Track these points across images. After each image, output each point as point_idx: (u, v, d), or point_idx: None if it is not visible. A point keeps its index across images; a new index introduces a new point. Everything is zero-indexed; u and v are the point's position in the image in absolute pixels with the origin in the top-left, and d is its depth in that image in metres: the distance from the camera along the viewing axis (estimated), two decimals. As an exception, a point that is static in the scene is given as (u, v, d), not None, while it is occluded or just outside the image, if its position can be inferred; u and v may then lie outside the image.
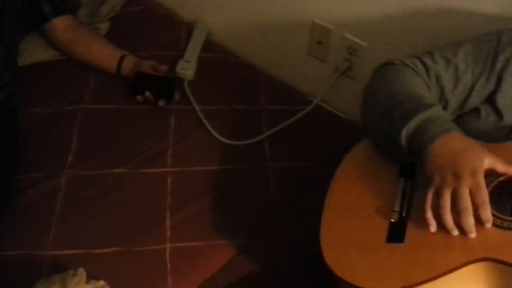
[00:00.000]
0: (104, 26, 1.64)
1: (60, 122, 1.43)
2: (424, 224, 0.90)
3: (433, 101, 0.98)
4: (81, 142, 1.39)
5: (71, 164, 1.34)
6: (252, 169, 1.38)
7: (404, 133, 0.93)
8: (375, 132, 1.02)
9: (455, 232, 0.86)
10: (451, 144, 0.90)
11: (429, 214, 0.88)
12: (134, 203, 1.29)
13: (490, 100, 0.99)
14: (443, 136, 0.90)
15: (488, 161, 0.87)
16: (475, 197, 0.84)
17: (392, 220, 0.94)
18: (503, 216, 0.87)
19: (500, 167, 0.87)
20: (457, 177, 0.86)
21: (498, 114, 0.97)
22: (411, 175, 0.98)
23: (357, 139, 1.42)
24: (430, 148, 0.90)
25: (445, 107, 1.03)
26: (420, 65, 1.04)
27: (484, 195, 0.84)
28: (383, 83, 1.04)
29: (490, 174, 0.89)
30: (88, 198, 1.28)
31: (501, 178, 0.89)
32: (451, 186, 0.86)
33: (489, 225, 0.85)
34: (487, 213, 0.84)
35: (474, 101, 1.01)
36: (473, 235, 0.85)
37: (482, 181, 0.85)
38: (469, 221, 0.85)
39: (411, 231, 0.92)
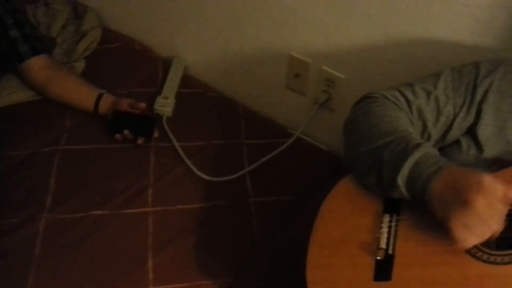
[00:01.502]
0: (80, 65, 1.63)
1: (37, 164, 1.41)
2: (412, 260, 0.89)
3: (419, 138, 0.98)
4: (59, 184, 1.37)
5: (49, 207, 1.31)
6: (234, 205, 1.37)
7: (400, 180, 0.92)
8: (362, 172, 1.01)
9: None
10: (449, 178, 0.88)
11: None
12: (115, 245, 1.27)
13: (471, 132, 0.99)
14: (439, 173, 0.89)
15: (487, 180, 0.85)
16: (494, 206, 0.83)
17: (378, 257, 0.93)
18: (488, 251, 0.87)
19: (499, 186, 0.85)
20: (467, 204, 0.83)
21: (479, 146, 0.97)
22: (395, 210, 0.97)
23: (339, 170, 1.43)
24: (431, 189, 0.88)
25: (428, 140, 1.03)
26: (401, 99, 1.04)
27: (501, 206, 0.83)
28: (366, 119, 1.03)
29: None
30: (67, 242, 1.26)
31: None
32: (482, 198, 0.83)
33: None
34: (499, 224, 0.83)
35: (455, 133, 1.01)
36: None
37: (489, 191, 0.83)
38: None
39: (398, 268, 0.91)
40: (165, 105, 1.54)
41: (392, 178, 0.93)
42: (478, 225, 0.82)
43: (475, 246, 0.88)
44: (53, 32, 1.67)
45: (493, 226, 0.83)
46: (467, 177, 0.86)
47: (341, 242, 0.99)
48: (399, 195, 0.94)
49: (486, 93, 0.99)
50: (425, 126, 1.03)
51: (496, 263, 0.85)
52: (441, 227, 0.86)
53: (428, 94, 1.03)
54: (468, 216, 0.83)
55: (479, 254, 0.87)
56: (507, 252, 0.85)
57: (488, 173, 0.88)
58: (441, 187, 0.87)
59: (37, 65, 1.52)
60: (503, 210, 0.83)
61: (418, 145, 0.93)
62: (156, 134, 1.47)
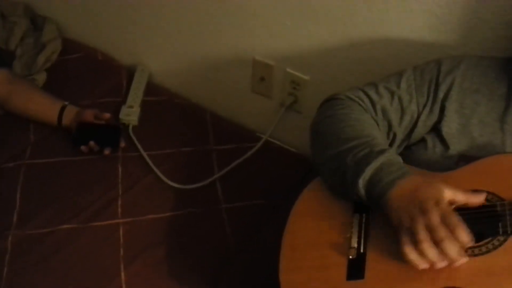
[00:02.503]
0: (41, 77, 1.60)
1: (1, 180, 1.38)
2: (384, 257, 0.90)
3: (384, 143, 0.99)
4: (25, 199, 1.34)
5: (16, 224, 1.29)
6: (206, 212, 1.36)
7: (360, 183, 0.93)
8: (328, 175, 1.02)
9: (442, 264, 0.83)
10: (409, 186, 0.89)
11: (414, 255, 0.84)
12: (86, 259, 1.25)
13: (436, 129, 1.01)
14: (399, 181, 0.90)
15: (448, 192, 0.86)
16: (448, 223, 0.82)
17: (350, 257, 0.94)
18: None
19: (460, 197, 0.87)
20: (424, 211, 0.84)
21: (444, 143, 0.99)
22: (365, 209, 0.98)
23: (309, 172, 1.44)
24: (389, 195, 0.89)
25: (393, 140, 1.04)
26: (366, 99, 1.05)
27: (455, 218, 0.82)
28: (332, 122, 1.04)
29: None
30: (37, 258, 1.24)
31: (453, 207, 0.90)
32: (422, 221, 0.84)
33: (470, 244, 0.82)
34: (464, 234, 0.81)
35: (420, 131, 1.03)
36: (463, 260, 0.83)
37: (448, 207, 0.84)
38: (453, 248, 0.81)
39: (370, 266, 0.92)
40: (130, 114, 1.53)
41: (353, 182, 0.94)
42: (426, 240, 0.82)
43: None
44: (12, 45, 1.63)
45: (444, 245, 0.82)
46: (427, 188, 0.87)
47: (313, 244, 0.99)
48: (358, 197, 0.95)
49: (448, 90, 1.01)
50: (390, 126, 1.04)
51: (468, 256, 0.85)
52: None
53: (392, 94, 1.04)
54: (419, 227, 0.83)
55: None
56: (476, 244, 0.86)
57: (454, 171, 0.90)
58: (400, 194, 0.89)
59: (-4, 79, 1.49)
60: (458, 219, 0.83)
61: (382, 151, 0.94)
62: (122, 144, 1.46)
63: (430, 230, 0.83)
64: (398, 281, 0.88)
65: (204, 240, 1.30)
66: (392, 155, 0.94)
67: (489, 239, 0.86)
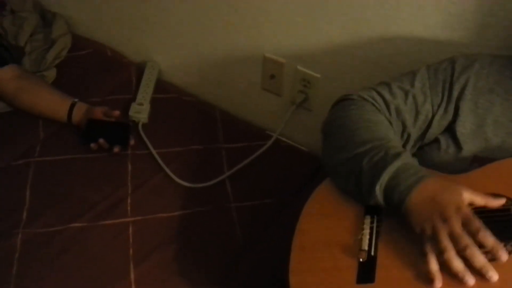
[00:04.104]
0: (51, 74, 1.60)
1: (11, 178, 1.38)
2: (394, 261, 0.89)
3: (399, 145, 0.97)
4: (35, 197, 1.34)
5: (25, 222, 1.29)
6: (215, 211, 1.35)
7: (378, 189, 0.92)
8: (341, 179, 1.01)
9: (470, 280, 0.81)
10: (428, 190, 0.88)
11: (435, 266, 0.83)
12: (95, 258, 1.24)
13: (450, 130, 0.99)
14: (417, 186, 0.89)
15: (467, 195, 0.85)
16: (470, 229, 0.82)
17: (361, 259, 0.93)
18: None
19: (479, 200, 0.86)
20: (446, 218, 0.83)
21: (457, 144, 0.97)
22: (377, 211, 0.97)
23: (319, 170, 1.42)
24: (408, 201, 0.88)
25: (407, 140, 1.03)
26: (379, 99, 1.04)
27: (477, 223, 0.82)
28: (345, 123, 1.02)
29: None
30: (46, 256, 1.23)
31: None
32: (444, 230, 0.83)
33: (503, 254, 0.81)
34: (489, 239, 0.81)
35: (434, 131, 1.01)
36: (494, 276, 0.81)
37: (469, 212, 0.83)
38: (478, 257, 0.80)
39: (381, 270, 0.90)
40: (140, 111, 1.52)
41: (370, 187, 0.93)
42: (460, 241, 0.82)
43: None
44: (21, 41, 1.63)
45: (466, 251, 0.81)
46: (446, 193, 0.86)
47: (323, 245, 0.98)
48: (376, 203, 0.94)
49: (463, 89, 0.99)
50: (404, 126, 1.02)
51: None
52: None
53: (406, 93, 1.02)
54: (442, 234, 0.83)
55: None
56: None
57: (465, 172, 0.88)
58: (420, 200, 0.87)
59: (6, 75, 1.49)
60: (480, 224, 0.82)
61: (397, 155, 0.93)
62: (132, 142, 1.45)
63: (453, 239, 0.82)
64: (408, 285, 0.87)
65: (214, 239, 1.30)
66: (407, 158, 0.93)
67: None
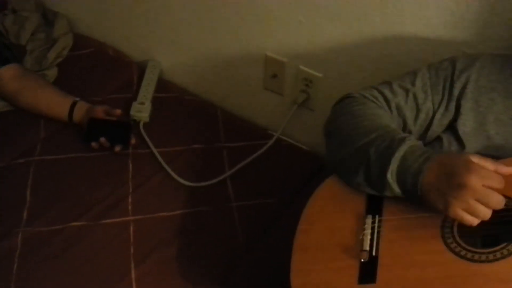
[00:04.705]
0: (52, 73, 1.59)
1: (11, 176, 1.38)
2: (396, 261, 0.88)
3: (402, 132, 0.97)
4: (35, 196, 1.34)
5: (26, 221, 1.29)
6: (217, 210, 1.35)
7: (389, 177, 0.91)
8: (349, 173, 1.00)
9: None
10: (439, 166, 0.87)
11: (469, 216, 0.85)
12: (95, 257, 1.24)
13: (452, 128, 0.99)
14: (428, 164, 0.88)
15: (475, 158, 0.85)
16: (489, 182, 0.83)
17: (362, 260, 0.92)
18: (472, 249, 0.86)
19: (488, 165, 0.85)
20: (462, 186, 0.83)
21: (460, 142, 0.97)
22: (378, 211, 0.96)
23: (320, 170, 1.42)
24: (423, 180, 0.88)
25: None
26: (380, 98, 1.04)
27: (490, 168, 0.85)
28: (347, 119, 1.02)
29: None
30: (47, 255, 1.23)
31: None
32: (466, 195, 0.83)
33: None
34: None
35: (435, 129, 1.01)
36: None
37: (479, 168, 0.84)
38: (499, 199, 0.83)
39: (382, 270, 0.90)
40: (141, 110, 1.52)
41: (382, 176, 0.92)
42: (478, 204, 0.82)
43: (459, 245, 0.87)
44: (23, 40, 1.63)
45: (493, 203, 0.82)
46: (454, 160, 0.86)
47: (325, 246, 0.98)
48: (391, 193, 0.93)
49: (464, 88, 0.99)
50: (405, 123, 1.02)
51: (481, 261, 0.84)
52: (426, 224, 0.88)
53: (407, 91, 1.02)
54: (466, 198, 0.83)
55: (463, 252, 0.86)
56: (491, 250, 0.84)
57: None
58: (433, 177, 0.87)
59: (7, 74, 1.48)
60: (498, 183, 0.83)
61: (403, 139, 0.93)
62: (133, 141, 1.45)
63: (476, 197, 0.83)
64: (409, 286, 0.87)
65: (215, 239, 1.29)
66: (413, 141, 0.93)
67: (504, 244, 0.84)
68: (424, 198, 0.88)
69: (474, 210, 0.83)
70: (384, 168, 0.92)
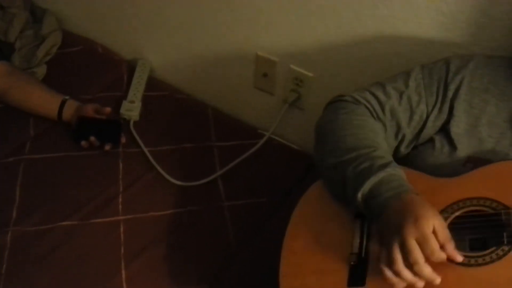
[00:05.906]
0: (41, 70, 1.58)
1: (1, 175, 1.36)
2: None
3: (386, 155, 0.97)
4: (25, 195, 1.33)
5: (15, 220, 1.28)
6: (208, 209, 1.35)
7: (359, 197, 0.92)
8: (329, 184, 1.02)
9: (420, 284, 0.84)
10: (404, 205, 0.87)
11: (389, 273, 0.86)
12: (85, 256, 1.24)
13: (444, 130, 0.99)
14: (395, 199, 0.88)
15: (436, 222, 0.84)
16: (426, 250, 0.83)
17: (351, 263, 0.93)
18: (463, 253, 0.86)
19: (441, 235, 0.84)
20: (399, 236, 0.84)
21: (452, 144, 0.97)
22: (367, 215, 0.97)
23: (311, 169, 1.42)
24: (386, 213, 0.88)
25: (402, 141, 1.03)
26: (373, 101, 1.03)
27: (432, 243, 0.83)
28: (332, 129, 1.02)
29: (446, 210, 0.89)
30: (36, 255, 1.23)
31: (457, 213, 0.89)
32: (398, 243, 0.84)
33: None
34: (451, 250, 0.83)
35: (429, 131, 1.01)
36: (437, 280, 0.83)
37: (428, 235, 0.83)
38: (425, 271, 0.83)
39: (371, 273, 0.91)
40: (131, 109, 1.51)
41: (353, 194, 0.93)
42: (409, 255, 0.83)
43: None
44: (11, 37, 1.61)
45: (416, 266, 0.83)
46: (418, 211, 0.85)
47: (314, 249, 0.98)
48: (356, 209, 0.95)
49: (457, 89, 0.99)
50: (399, 126, 1.02)
51: (470, 265, 0.85)
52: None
53: (400, 93, 1.02)
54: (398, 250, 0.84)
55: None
56: (480, 254, 0.85)
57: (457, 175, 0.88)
58: (392, 213, 0.87)
59: (-5, 72, 1.47)
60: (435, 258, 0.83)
61: (384, 166, 0.93)
62: (123, 140, 1.44)
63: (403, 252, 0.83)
64: (398, 289, 0.88)
65: (206, 238, 1.29)
66: (394, 170, 0.93)
67: (493, 248, 0.85)
68: (380, 226, 0.90)
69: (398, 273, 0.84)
70: (357, 187, 0.92)
